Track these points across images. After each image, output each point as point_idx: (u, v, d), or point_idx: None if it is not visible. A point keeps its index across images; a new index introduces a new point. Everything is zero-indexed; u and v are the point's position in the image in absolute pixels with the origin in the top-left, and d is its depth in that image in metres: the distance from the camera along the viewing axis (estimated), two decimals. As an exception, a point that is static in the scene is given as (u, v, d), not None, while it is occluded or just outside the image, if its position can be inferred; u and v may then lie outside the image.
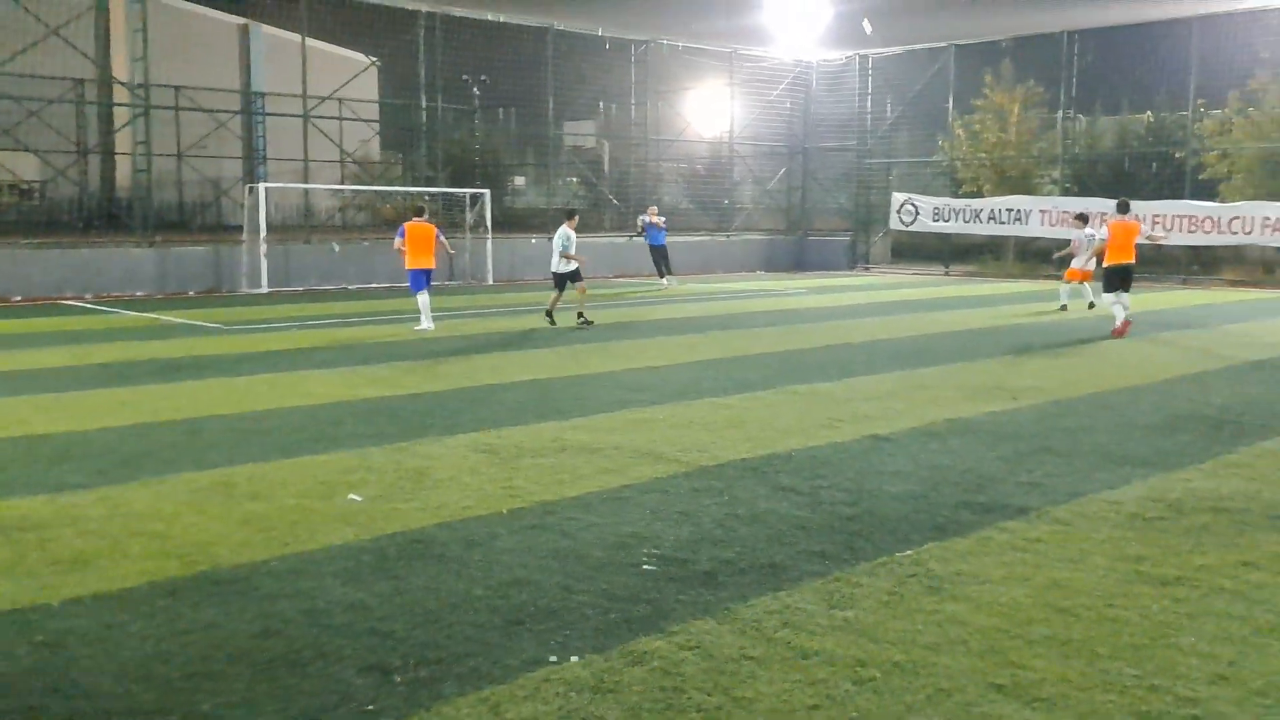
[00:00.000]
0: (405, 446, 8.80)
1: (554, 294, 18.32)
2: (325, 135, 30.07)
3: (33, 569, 5.79)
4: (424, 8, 29.61)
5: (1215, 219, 28.27)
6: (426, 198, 30.12)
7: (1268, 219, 27.28)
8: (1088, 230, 20.71)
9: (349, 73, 31.61)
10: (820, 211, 39.65)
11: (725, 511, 6.95)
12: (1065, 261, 21.87)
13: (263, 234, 25.35)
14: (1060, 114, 32.50)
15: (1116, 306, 17.03)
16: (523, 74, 31.83)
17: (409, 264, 17.44)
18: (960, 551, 6.13)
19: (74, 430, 9.47)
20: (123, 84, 27.19)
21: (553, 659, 4.64)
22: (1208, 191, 29.58)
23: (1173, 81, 30.70)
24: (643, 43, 34.02)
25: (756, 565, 5.90)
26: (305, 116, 28.24)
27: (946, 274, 34.29)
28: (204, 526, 6.58)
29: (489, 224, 29.12)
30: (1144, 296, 24.26)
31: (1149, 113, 33.26)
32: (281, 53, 33.64)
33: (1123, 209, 17.76)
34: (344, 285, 27.03)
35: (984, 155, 34.00)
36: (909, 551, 6.12)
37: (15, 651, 4.74)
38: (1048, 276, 31.82)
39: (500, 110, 38.18)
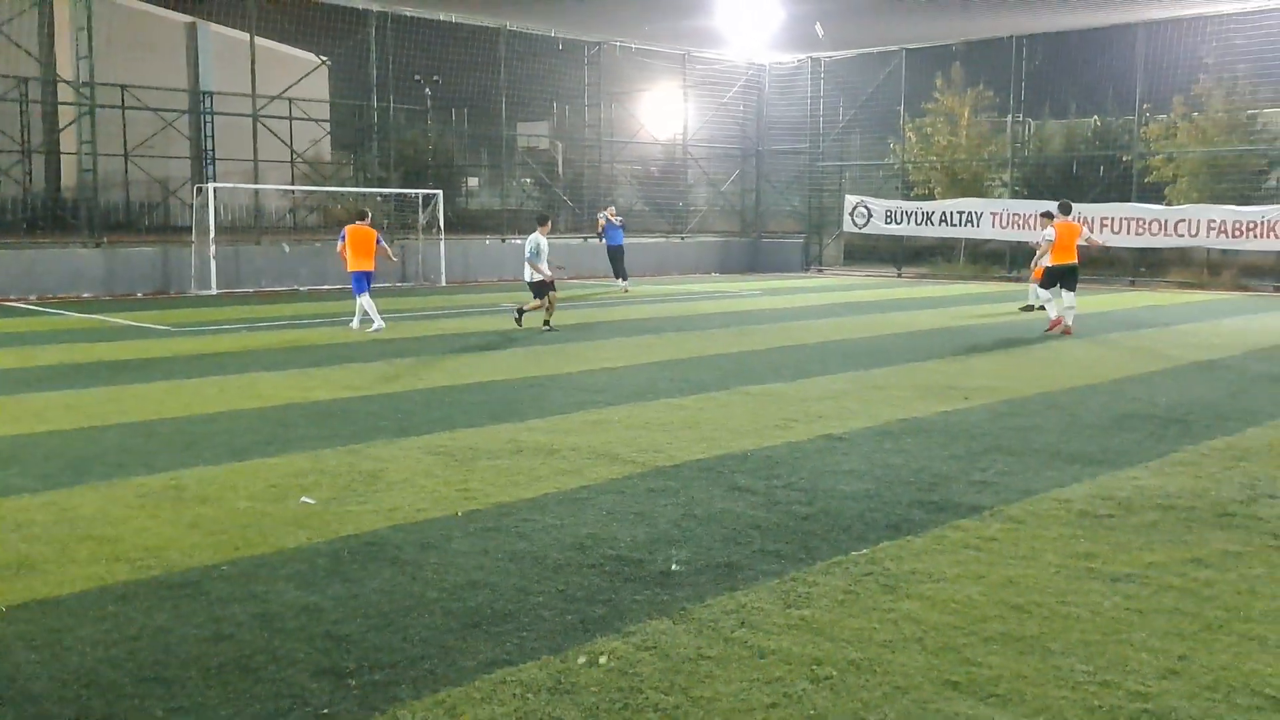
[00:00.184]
0: (358, 449, 8.72)
1: (534, 301, 17.82)
2: (275, 135, 29.76)
3: (-24, 575, 5.67)
4: (375, 7, 29.38)
5: (1162, 221, 28.73)
6: (379, 199, 29.97)
7: (1213, 221, 27.79)
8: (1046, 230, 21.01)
9: (299, 72, 31.30)
10: (774, 214, 39.84)
11: (681, 512, 6.95)
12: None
13: (212, 235, 25.05)
14: (1010, 118, 32.88)
15: (1050, 304, 17.49)
16: (475, 74, 31.68)
17: (350, 266, 17.62)
18: (915, 550, 6.17)
19: (19, 434, 9.29)
20: (67, 82, 26.76)
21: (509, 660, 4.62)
22: (1154, 194, 30.06)
23: (1119, 86, 31.17)
24: (595, 44, 33.99)
25: (713, 565, 5.91)
26: (255, 116, 27.93)
27: (899, 276, 34.57)
28: (154, 530, 6.48)
29: (442, 225, 28.96)
30: (1093, 298, 24.61)
31: (1096, 117, 33.73)
32: (230, 51, 33.25)
33: (1064, 210, 18.12)
34: (295, 287, 26.76)
35: (935, 158, 34.34)
36: (864, 550, 6.16)
37: (-42, 659, 4.63)
38: (999, 278, 32.24)
39: (453, 111, 37.99)
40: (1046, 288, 17.63)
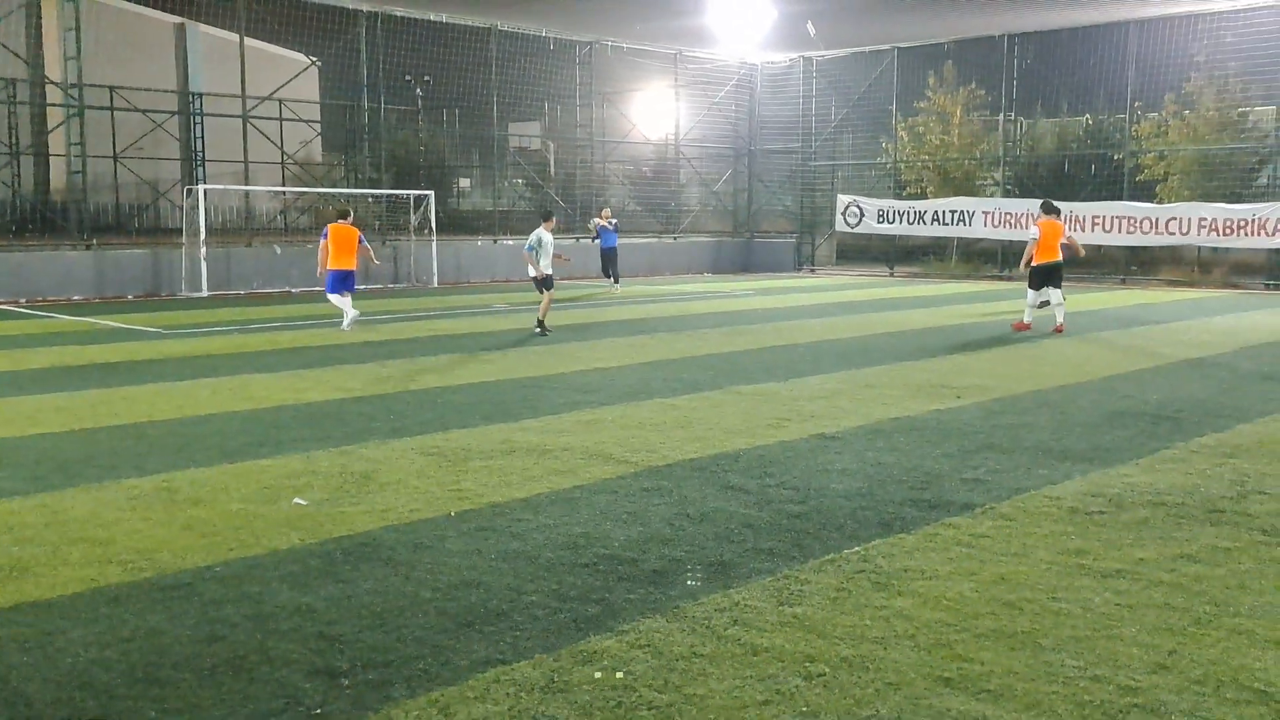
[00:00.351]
0: (351, 450, 8.72)
1: (543, 300, 17.46)
2: (265, 136, 29.71)
3: (-32, 578, 5.66)
4: (365, 7, 29.34)
5: (1153, 219, 28.83)
6: (370, 200, 29.93)
7: (1204, 219, 27.88)
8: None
9: (289, 73, 31.21)
10: (766, 213, 39.88)
11: (674, 511, 6.96)
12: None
13: (202, 237, 25.01)
14: (1002, 116, 32.96)
15: (1030, 310, 17.62)
16: (466, 75, 31.65)
17: (330, 264, 17.69)
18: (907, 548, 6.19)
19: (9, 436, 9.27)
20: (56, 84, 26.66)
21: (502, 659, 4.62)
22: (1145, 192, 30.15)
23: (1111, 84, 31.25)
24: (587, 44, 33.99)
25: (706, 563, 5.92)
26: (244, 117, 27.88)
27: (891, 275, 34.63)
28: (146, 532, 6.47)
29: (433, 226, 28.95)
30: (1084, 296, 24.70)
31: (1088, 115, 33.81)
32: (219, 52, 33.16)
33: (1048, 209, 18.21)
34: (287, 288, 26.72)
35: (927, 157, 34.40)
36: (856, 548, 6.17)
37: (-50, 662, 4.63)
38: (991, 277, 32.30)
39: (444, 111, 37.95)
40: (1035, 288, 17.66)
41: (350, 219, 18.05)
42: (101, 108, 29.85)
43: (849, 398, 11.24)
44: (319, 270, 18.03)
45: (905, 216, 33.84)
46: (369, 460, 8.34)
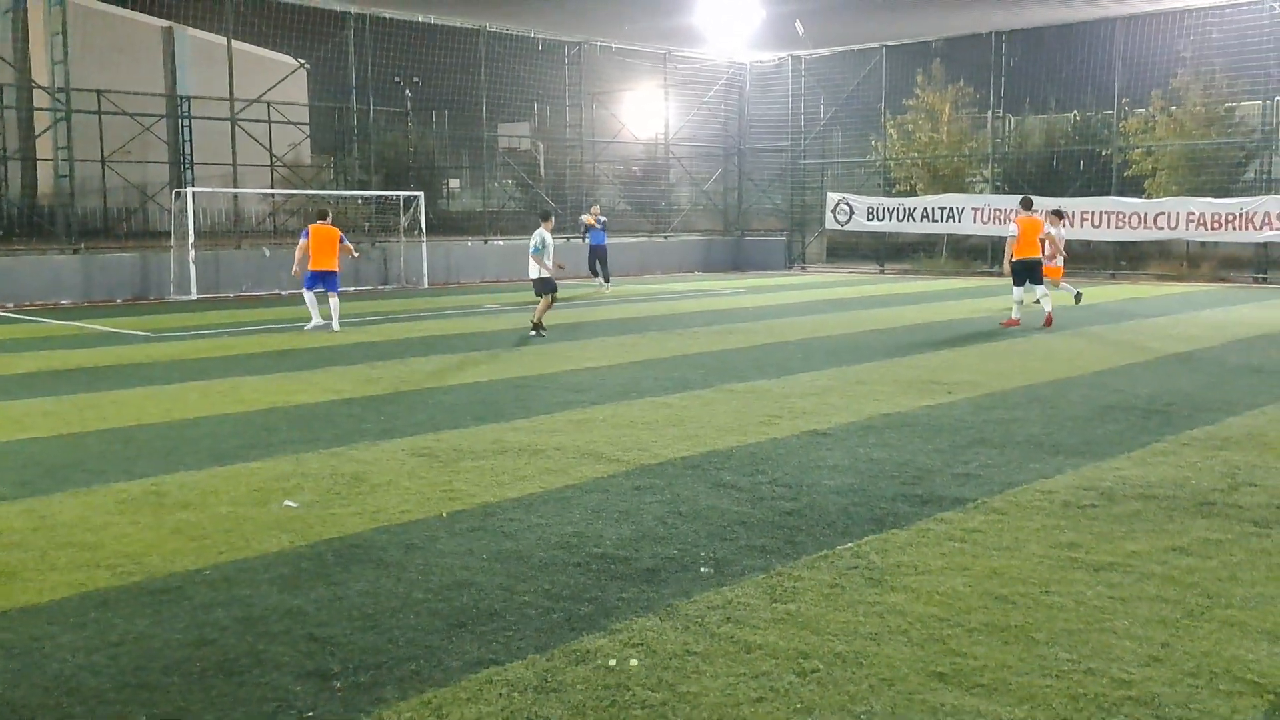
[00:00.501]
0: (341, 451, 8.69)
1: (541, 302, 17.19)
2: (254, 139, 29.63)
3: (-45, 583, 5.62)
4: (353, 9, 29.28)
5: (1141, 215, 28.92)
6: (360, 201, 29.88)
7: (1192, 214, 27.97)
8: (1056, 228, 20.88)
9: (277, 75, 31.15)
10: (756, 212, 39.89)
11: (666, 509, 6.94)
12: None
13: (191, 240, 24.91)
14: (990, 113, 33.01)
15: (1018, 306, 17.68)
16: (456, 76, 31.60)
17: (311, 265, 17.77)
18: (899, 543, 6.18)
19: (-2, 441, 9.22)
20: (43, 88, 26.56)
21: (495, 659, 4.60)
22: (1134, 188, 30.24)
23: (1098, 81, 31.33)
24: (576, 44, 33.96)
25: (698, 561, 5.90)
26: (233, 120, 27.79)
27: (881, 272, 34.66)
28: (135, 536, 6.44)
29: (423, 227, 28.89)
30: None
31: (1075, 112, 33.87)
32: (207, 55, 33.05)
33: (1026, 205, 18.27)
34: (276, 291, 26.63)
35: (916, 155, 34.44)
36: (849, 544, 6.17)
37: (-62, 668, 4.59)
38: (981, 273, 32.34)
39: (433, 112, 37.90)
40: (1018, 284, 17.77)
41: (330, 219, 18.13)
42: (89, 111, 29.76)
43: (840, 394, 11.23)
44: (294, 269, 18.20)
45: (895, 214, 33.88)
46: (360, 462, 8.31)
